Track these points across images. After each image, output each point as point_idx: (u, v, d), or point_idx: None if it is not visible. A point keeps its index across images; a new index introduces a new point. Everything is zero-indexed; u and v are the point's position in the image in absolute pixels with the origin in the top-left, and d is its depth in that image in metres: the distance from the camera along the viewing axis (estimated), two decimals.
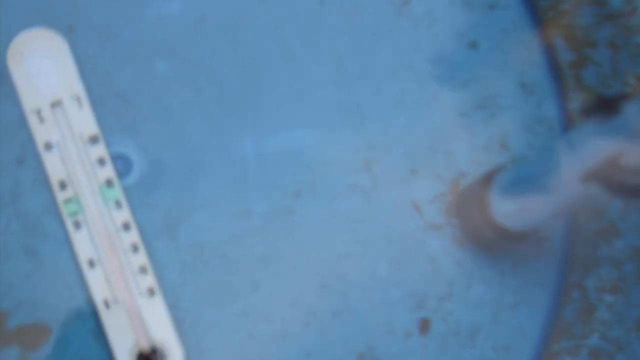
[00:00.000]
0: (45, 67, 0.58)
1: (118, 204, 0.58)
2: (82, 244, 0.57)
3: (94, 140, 0.58)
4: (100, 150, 0.58)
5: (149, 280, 0.57)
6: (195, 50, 0.60)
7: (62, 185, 0.57)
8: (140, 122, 0.59)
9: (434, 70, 0.60)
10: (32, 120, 0.58)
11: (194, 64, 0.60)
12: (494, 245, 0.56)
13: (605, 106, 0.42)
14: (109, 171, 0.58)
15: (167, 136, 0.59)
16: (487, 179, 0.54)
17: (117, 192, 0.58)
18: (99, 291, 0.56)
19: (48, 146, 0.58)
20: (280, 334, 0.57)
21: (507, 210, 0.52)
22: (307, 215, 0.59)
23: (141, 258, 0.57)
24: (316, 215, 0.59)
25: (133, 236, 0.57)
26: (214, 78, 0.60)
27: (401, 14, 0.60)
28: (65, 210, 0.57)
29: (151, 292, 0.57)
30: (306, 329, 0.57)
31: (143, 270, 0.57)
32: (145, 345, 0.56)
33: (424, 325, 0.58)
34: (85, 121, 0.58)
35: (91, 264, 0.57)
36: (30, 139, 0.58)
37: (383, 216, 0.59)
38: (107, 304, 0.56)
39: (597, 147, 0.41)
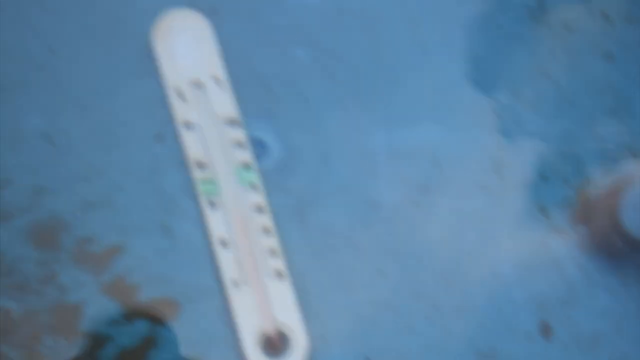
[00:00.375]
0: (189, 48, 0.59)
1: (253, 187, 0.58)
2: (216, 224, 0.58)
3: (233, 122, 0.59)
4: (238, 132, 0.58)
5: (278, 263, 0.57)
6: (334, 40, 0.60)
7: (200, 165, 0.58)
8: (278, 107, 0.60)
9: (568, 78, 0.60)
10: (173, 99, 0.58)
11: (332, 55, 0.60)
12: (620, 254, 0.56)
13: None
14: (246, 154, 0.58)
15: (303, 123, 0.60)
16: (618, 187, 0.54)
17: (253, 175, 0.58)
18: (229, 271, 0.57)
19: (188, 125, 0.58)
20: (403, 325, 0.58)
21: (638, 219, 0.51)
22: (435, 211, 0.59)
23: (272, 241, 0.57)
24: (443, 211, 0.59)
25: (265, 219, 0.58)
26: (351, 70, 0.60)
27: (538, 20, 0.60)
28: (201, 189, 0.57)
29: (279, 275, 0.57)
30: (428, 323, 0.58)
31: (273, 252, 0.57)
32: (270, 328, 0.56)
33: (546, 329, 0.58)
34: (225, 103, 0.59)
35: (223, 243, 0.57)
36: (169, 117, 0.59)
37: (509, 217, 0.59)
38: (236, 284, 0.57)
39: None
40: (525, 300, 0.59)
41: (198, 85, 0.59)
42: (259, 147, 0.60)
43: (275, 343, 0.57)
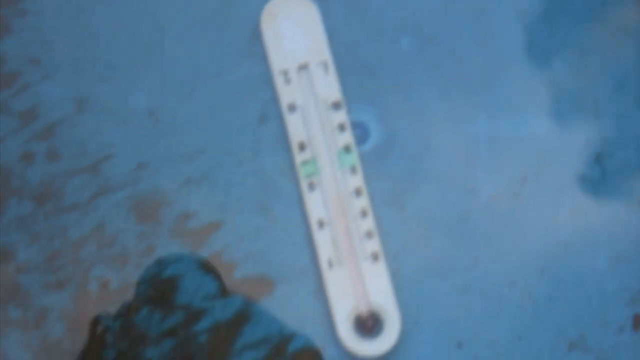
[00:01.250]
0: (296, 31, 0.60)
1: (353, 170, 0.58)
2: (314, 205, 0.58)
3: (336, 106, 0.59)
4: (341, 116, 0.59)
5: (374, 245, 0.57)
6: (439, 29, 0.60)
7: (302, 147, 0.58)
8: (381, 93, 0.60)
9: None
10: (279, 81, 0.59)
11: (437, 43, 0.60)
12: None
13: None
14: (347, 137, 0.58)
15: (405, 109, 0.60)
16: None
17: (353, 158, 0.59)
18: (325, 252, 0.57)
19: (291, 107, 0.59)
20: (495, 313, 0.58)
21: None
22: (533, 201, 0.59)
23: (369, 223, 0.58)
24: (541, 201, 0.59)
25: (363, 202, 0.58)
26: (455, 58, 0.60)
27: None
28: (301, 171, 0.58)
29: (375, 257, 0.57)
30: (521, 311, 0.58)
31: (369, 235, 0.57)
32: (364, 309, 0.56)
33: (637, 322, 0.58)
34: (329, 87, 0.59)
35: (320, 224, 0.57)
36: (272, 99, 0.59)
37: (608, 210, 0.59)
38: (331, 265, 0.57)
39: None
40: (619, 292, 0.58)
41: (304, 68, 0.59)
42: (360, 131, 0.60)
43: (368, 324, 0.57)
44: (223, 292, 0.58)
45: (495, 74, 0.59)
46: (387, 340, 0.57)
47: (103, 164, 0.59)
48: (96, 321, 0.56)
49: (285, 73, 0.59)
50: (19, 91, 0.60)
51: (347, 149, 0.59)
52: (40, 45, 0.60)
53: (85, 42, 0.60)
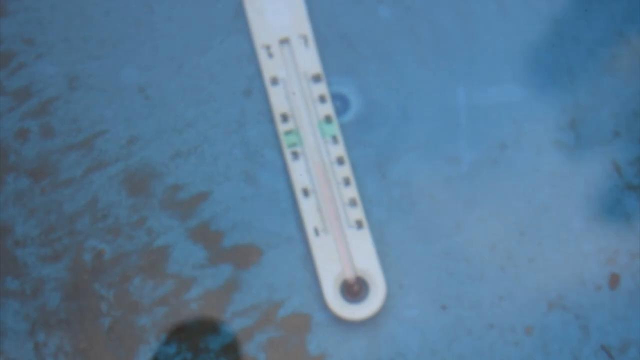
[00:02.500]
0: (277, 6, 0.58)
1: (334, 139, 0.58)
2: (298, 174, 0.57)
3: (316, 78, 0.58)
4: (321, 88, 0.58)
5: (358, 213, 0.57)
6: None
7: (284, 118, 0.58)
8: (360, 64, 0.59)
9: None
10: (262, 55, 0.58)
11: (415, 12, 0.59)
12: None
13: None
14: (328, 108, 0.58)
15: (384, 79, 0.59)
16: None
17: (334, 128, 0.58)
18: (311, 219, 0.57)
19: (274, 81, 0.58)
20: (477, 275, 0.57)
21: None
22: (512, 167, 0.58)
23: (352, 191, 0.57)
24: (520, 167, 0.58)
25: (346, 170, 0.57)
26: (433, 27, 0.59)
27: None
28: (285, 141, 0.57)
29: (359, 225, 0.56)
30: (502, 273, 0.57)
31: (353, 202, 0.57)
32: (350, 274, 0.56)
33: (614, 281, 0.57)
34: (310, 60, 0.58)
35: (305, 193, 0.57)
36: (257, 73, 0.58)
37: (583, 173, 0.58)
38: (317, 232, 0.56)
39: None
40: (595, 252, 0.58)
41: (286, 42, 0.58)
42: (340, 102, 0.59)
43: (354, 289, 0.56)
44: (212, 260, 0.56)
45: (473, 43, 0.59)
46: (372, 304, 0.56)
47: (96, 140, 0.59)
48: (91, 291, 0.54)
49: (268, 47, 0.59)
50: (14, 70, 0.59)
51: (327, 119, 0.58)
52: (34, 25, 0.59)
53: (78, 21, 0.59)
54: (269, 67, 0.59)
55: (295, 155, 0.58)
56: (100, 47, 0.60)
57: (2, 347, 0.55)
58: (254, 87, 0.59)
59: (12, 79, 0.59)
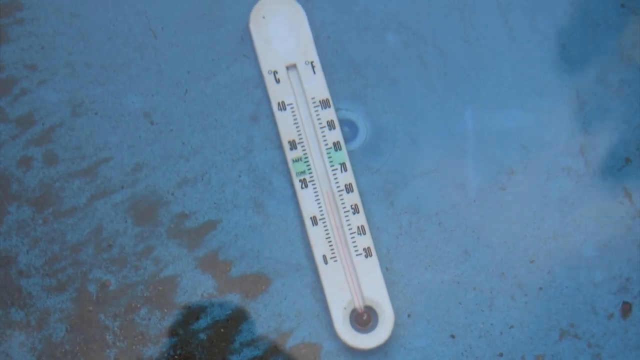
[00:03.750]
0: (283, 32, 0.56)
1: (343, 167, 0.55)
2: (307, 202, 0.55)
3: (324, 104, 0.56)
4: (330, 114, 0.56)
5: (367, 241, 0.55)
6: (424, 25, 0.57)
7: (292, 145, 0.55)
8: (368, 90, 0.57)
9: None
10: (269, 81, 0.56)
11: (422, 38, 0.57)
12: None
13: None
14: (337, 135, 0.55)
15: (392, 106, 0.57)
16: None
17: (343, 155, 0.56)
18: (320, 248, 0.55)
19: (282, 106, 0.56)
20: (487, 304, 0.55)
21: None
22: (520, 193, 0.56)
23: (360, 219, 0.55)
24: (528, 193, 0.56)
25: (354, 198, 0.55)
26: (440, 53, 0.57)
27: (625, 6, 0.57)
28: (293, 168, 0.55)
29: (368, 253, 0.55)
30: (512, 301, 0.55)
31: (361, 230, 0.55)
32: (359, 303, 0.54)
33: (626, 309, 0.55)
34: (317, 86, 0.56)
35: (314, 221, 0.55)
36: (264, 98, 0.56)
37: (593, 200, 0.56)
38: (325, 261, 0.55)
39: None
40: (607, 280, 0.55)
41: (292, 68, 0.56)
42: (349, 128, 0.57)
43: (363, 318, 0.54)
44: (220, 290, 0.54)
45: (479, 68, 0.57)
46: (381, 333, 0.54)
47: (100, 167, 0.56)
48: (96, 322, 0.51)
49: (274, 73, 0.56)
50: (17, 97, 0.56)
51: (336, 147, 0.55)
52: (37, 50, 0.57)
53: (80, 46, 0.57)
54: (277, 93, 0.56)
55: (303, 182, 0.55)
56: (104, 73, 0.57)
57: None
58: (261, 112, 0.57)
59: (14, 105, 0.56)
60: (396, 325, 0.54)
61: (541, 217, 0.56)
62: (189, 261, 0.55)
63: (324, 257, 0.54)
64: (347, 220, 0.54)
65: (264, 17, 0.55)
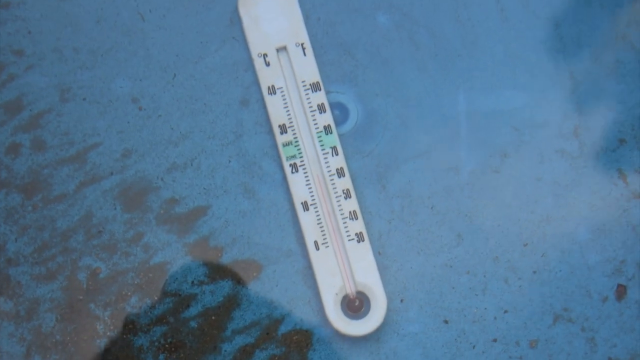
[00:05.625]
0: (273, 14, 0.53)
1: (334, 150, 0.52)
2: (298, 187, 0.52)
3: (315, 87, 0.52)
4: (320, 97, 0.52)
5: (359, 225, 0.51)
6: (415, 6, 0.53)
7: (283, 129, 0.52)
8: (358, 72, 0.53)
9: None
10: (258, 64, 0.52)
11: (413, 19, 0.53)
12: None
13: None
14: (328, 118, 0.52)
15: (383, 88, 0.53)
16: None
17: (334, 138, 0.52)
18: (311, 233, 0.51)
19: (272, 90, 0.52)
20: (480, 288, 0.52)
21: None
22: (513, 176, 0.53)
23: (352, 204, 0.52)
24: (522, 176, 0.53)
25: (346, 182, 0.52)
26: (432, 34, 0.53)
27: None
28: (283, 153, 0.51)
29: (360, 238, 0.51)
30: (505, 285, 0.52)
31: (353, 215, 0.52)
32: (351, 289, 0.51)
33: (620, 292, 0.52)
34: (308, 68, 0.52)
35: (305, 206, 0.52)
36: (254, 82, 0.53)
37: (588, 182, 0.53)
38: (317, 246, 0.51)
39: None
40: (601, 263, 0.52)
41: (282, 50, 0.52)
42: (339, 111, 0.53)
43: (355, 304, 0.51)
44: (211, 277, 0.51)
45: (471, 49, 0.53)
46: (374, 319, 0.51)
47: (89, 153, 0.53)
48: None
49: (264, 56, 0.52)
50: (4, 83, 0.53)
51: (327, 130, 0.52)
52: (24, 35, 0.53)
53: (68, 31, 0.53)
54: (266, 76, 0.52)
55: (294, 167, 0.52)
56: (92, 57, 0.53)
57: None
58: (251, 96, 0.53)
59: (2, 91, 0.53)
60: (389, 310, 0.51)
61: (535, 200, 0.53)
62: (179, 248, 0.52)
63: (315, 242, 0.51)
64: (339, 205, 0.51)
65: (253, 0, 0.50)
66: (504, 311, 0.52)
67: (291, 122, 0.52)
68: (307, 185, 0.51)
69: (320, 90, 0.52)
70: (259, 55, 0.52)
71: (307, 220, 0.51)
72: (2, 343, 0.51)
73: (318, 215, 0.51)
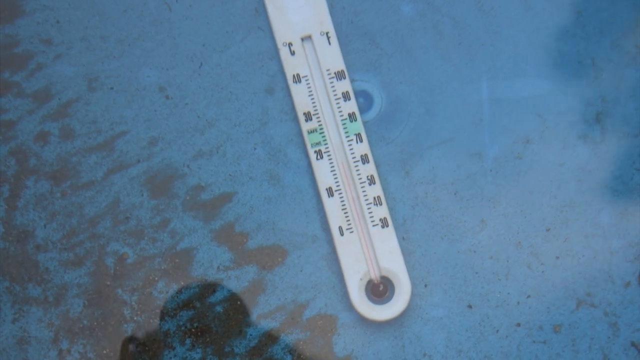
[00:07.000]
0: (298, 3, 0.51)
1: (358, 137, 0.51)
2: (323, 173, 0.51)
3: (340, 75, 0.51)
4: (345, 85, 0.51)
5: (383, 211, 0.50)
6: None
7: (308, 117, 0.51)
8: (383, 61, 0.52)
9: None
10: (284, 53, 0.51)
11: (437, 8, 0.52)
12: None
13: None
14: (352, 106, 0.51)
15: (407, 76, 0.52)
16: None
17: (358, 125, 0.51)
18: (335, 219, 0.50)
19: (297, 78, 0.51)
20: (503, 273, 0.51)
21: None
22: (536, 162, 0.51)
23: (376, 190, 0.50)
24: (545, 162, 0.51)
25: (370, 169, 0.51)
26: (455, 23, 0.52)
27: None
28: (308, 140, 0.50)
29: (384, 223, 0.50)
30: (528, 270, 0.51)
31: (378, 201, 0.50)
32: (375, 274, 0.50)
33: None
34: (332, 57, 0.51)
35: (330, 192, 0.50)
36: (279, 71, 0.51)
37: (610, 168, 0.51)
38: (341, 232, 0.50)
39: None
40: (624, 248, 0.51)
41: (308, 39, 0.51)
42: (364, 99, 0.52)
43: (379, 289, 0.50)
44: (237, 262, 0.50)
45: (495, 37, 0.52)
46: (398, 304, 0.50)
47: (116, 141, 0.52)
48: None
49: (289, 45, 0.51)
50: (33, 72, 0.52)
51: (351, 117, 0.51)
52: (52, 24, 0.52)
53: (95, 20, 0.52)
54: (291, 65, 0.51)
55: (319, 154, 0.51)
56: (119, 47, 0.52)
57: (26, 356, 0.50)
58: (276, 85, 0.52)
59: (31, 80, 0.52)
60: (413, 295, 0.50)
61: (557, 185, 0.51)
62: (205, 233, 0.51)
63: (340, 228, 0.50)
64: (363, 191, 0.50)
65: None
66: (527, 296, 0.50)
67: (316, 110, 0.51)
68: (331, 171, 0.50)
69: (344, 78, 0.51)
70: (284, 44, 0.51)
71: (331, 206, 0.50)
72: (30, 328, 0.50)
73: (342, 201, 0.50)
